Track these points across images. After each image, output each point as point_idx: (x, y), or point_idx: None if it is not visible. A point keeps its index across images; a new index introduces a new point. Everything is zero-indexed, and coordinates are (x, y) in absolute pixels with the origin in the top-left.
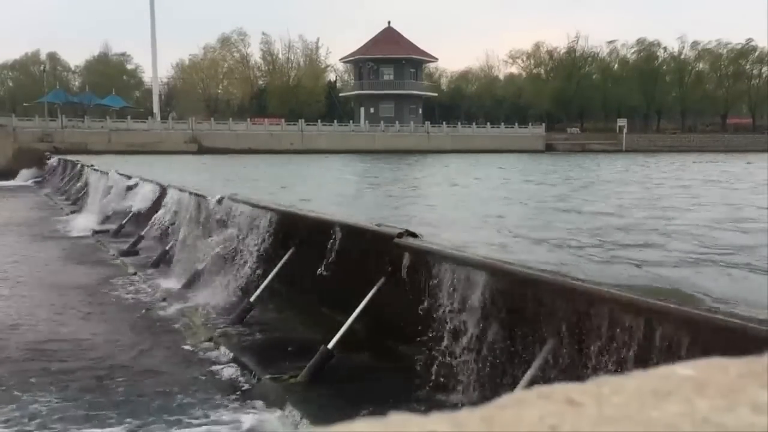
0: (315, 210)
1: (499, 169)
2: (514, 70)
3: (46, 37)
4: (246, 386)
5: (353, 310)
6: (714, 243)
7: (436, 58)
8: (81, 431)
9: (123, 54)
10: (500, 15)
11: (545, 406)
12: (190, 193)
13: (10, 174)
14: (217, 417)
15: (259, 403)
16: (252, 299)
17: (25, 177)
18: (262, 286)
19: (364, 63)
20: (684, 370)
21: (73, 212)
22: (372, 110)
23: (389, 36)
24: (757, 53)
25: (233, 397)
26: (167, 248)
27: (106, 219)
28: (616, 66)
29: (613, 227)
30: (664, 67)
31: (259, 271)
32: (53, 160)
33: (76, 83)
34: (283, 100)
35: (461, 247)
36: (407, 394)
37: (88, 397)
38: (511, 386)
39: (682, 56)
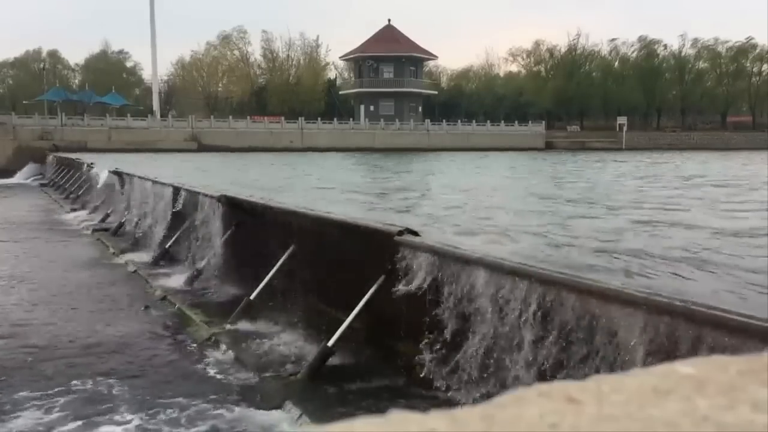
0: (314, 208)
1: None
2: (514, 68)
3: (46, 35)
4: (246, 384)
5: (353, 308)
6: None
7: (436, 56)
8: (81, 429)
9: (122, 51)
10: (500, 13)
11: (545, 404)
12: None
13: (10, 172)
14: (217, 414)
15: (259, 400)
16: (252, 297)
17: (25, 175)
18: (262, 284)
19: (364, 61)
20: (684, 368)
21: (73, 210)
22: (372, 108)
23: (389, 34)
24: (757, 51)
25: (233, 394)
26: (167, 246)
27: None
28: (616, 64)
29: None
30: (665, 65)
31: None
32: (53, 158)
33: (76, 81)
34: (283, 97)
35: (462, 245)
36: (407, 391)
37: (86, 395)
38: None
39: (683, 54)
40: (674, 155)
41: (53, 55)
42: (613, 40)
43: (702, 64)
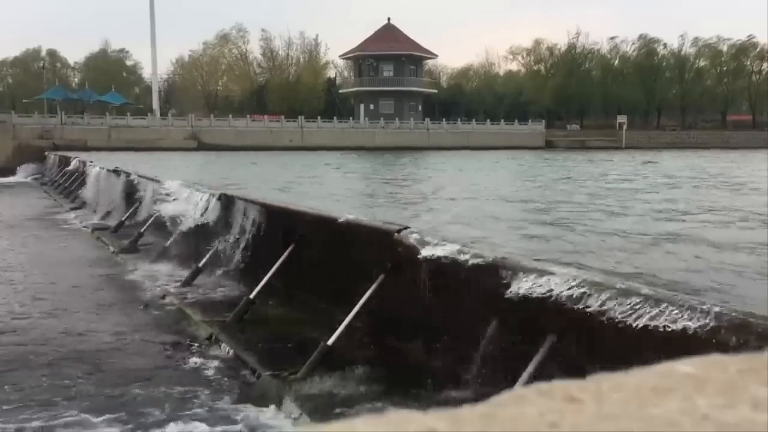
0: (316, 207)
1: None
2: (514, 66)
3: (46, 34)
4: (246, 382)
5: (353, 306)
6: None
7: (436, 55)
8: (80, 428)
9: (122, 50)
10: (500, 12)
11: (545, 404)
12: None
13: (10, 171)
14: (217, 413)
15: (259, 399)
16: (252, 296)
17: (24, 173)
18: (262, 283)
19: (363, 60)
20: (684, 367)
21: (72, 209)
22: (372, 107)
23: (389, 32)
24: (757, 49)
25: (233, 393)
26: (167, 245)
27: None
28: (616, 62)
29: None
30: (665, 64)
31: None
32: (52, 157)
33: (76, 80)
34: (283, 96)
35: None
36: (407, 391)
37: (86, 394)
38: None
39: (683, 53)
40: (660, 154)
41: (53, 54)
42: (613, 38)
43: (702, 63)
